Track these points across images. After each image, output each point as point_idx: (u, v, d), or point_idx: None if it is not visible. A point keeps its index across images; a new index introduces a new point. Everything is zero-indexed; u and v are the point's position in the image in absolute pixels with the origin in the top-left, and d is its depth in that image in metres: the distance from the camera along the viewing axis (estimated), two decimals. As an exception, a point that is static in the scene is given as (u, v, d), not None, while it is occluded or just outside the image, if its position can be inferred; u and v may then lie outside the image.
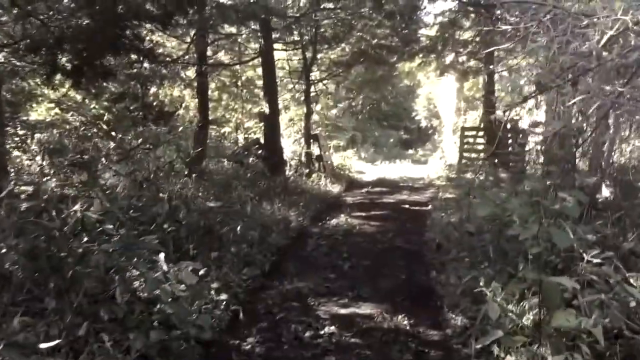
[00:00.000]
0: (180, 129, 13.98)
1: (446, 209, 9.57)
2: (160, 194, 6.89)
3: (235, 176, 11.27)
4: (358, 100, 26.86)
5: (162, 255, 4.39)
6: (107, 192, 6.02)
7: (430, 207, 10.81)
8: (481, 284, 4.41)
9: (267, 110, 11.98)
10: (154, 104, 14.79)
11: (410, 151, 33.35)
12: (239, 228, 6.83)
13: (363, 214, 10.13)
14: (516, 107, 18.65)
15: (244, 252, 6.54)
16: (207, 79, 12.88)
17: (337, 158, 17.61)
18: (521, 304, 4.16)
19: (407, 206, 11.05)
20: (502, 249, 5.52)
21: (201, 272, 4.81)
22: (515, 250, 5.21)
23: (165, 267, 4.26)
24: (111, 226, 4.45)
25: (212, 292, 5.01)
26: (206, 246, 6.21)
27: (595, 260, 3.70)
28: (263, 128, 12.67)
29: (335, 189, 13.36)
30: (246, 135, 16.38)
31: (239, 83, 14.91)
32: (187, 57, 12.66)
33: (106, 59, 8.48)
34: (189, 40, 12.69)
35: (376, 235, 8.21)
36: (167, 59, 12.87)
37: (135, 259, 4.30)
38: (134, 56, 9.18)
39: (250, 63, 14.66)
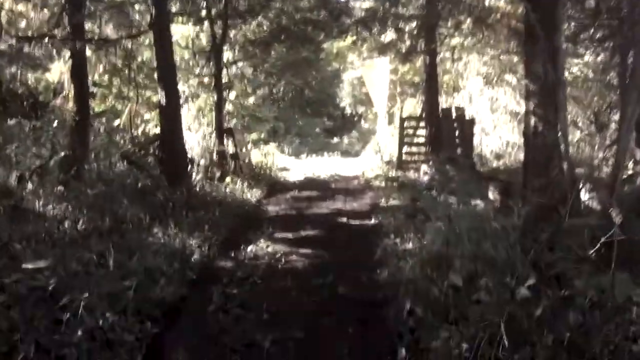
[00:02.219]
0: (56, 123, 11.03)
1: (396, 228, 7.37)
2: None
3: (120, 187, 8.58)
4: (279, 87, 24.37)
5: None
6: None
7: (374, 220, 8.60)
8: None
9: (163, 100, 9.28)
10: (20, 91, 11.69)
11: (336, 139, 31.42)
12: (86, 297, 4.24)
13: (290, 235, 7.74)
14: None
15: (99, 335, 4.01)
16: (86, 60, 10.02)
17: (256, 154, 15.10)
18: None
19: (345, 220, 8.78)
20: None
21: None
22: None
23: None
24: None
25: None
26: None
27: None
28: (159, 122, 9.96)
29: (255, 194, 10.89)
30: (146, 130, 13.54)
31: (133, 65, 12.03)
32: (55, 31, 9.75)
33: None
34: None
35: (310, 277, 5.83)
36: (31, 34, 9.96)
37: None
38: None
39: (145, 41, 11.84)
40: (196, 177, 10.66)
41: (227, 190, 10.61)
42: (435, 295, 4.19)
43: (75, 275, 4.84)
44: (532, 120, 6.56)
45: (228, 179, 11.12)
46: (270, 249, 6.92)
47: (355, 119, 32.97)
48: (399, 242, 6.58)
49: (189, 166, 10.83)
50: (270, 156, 15.28)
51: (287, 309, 4.98)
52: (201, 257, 6.47)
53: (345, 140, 31.91)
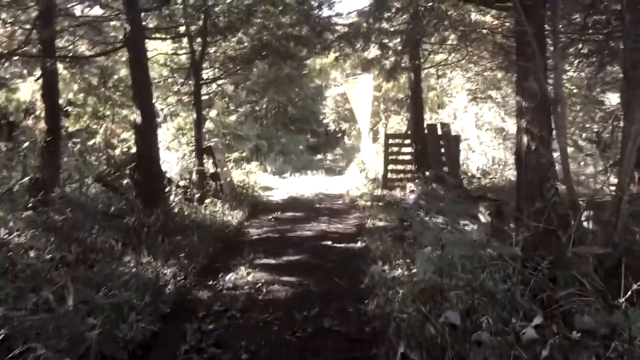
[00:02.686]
0: (27, 144, 10.53)
1: (384, 252, 7.00)
2: None
3: (92, 212, 8.11)
4: (262, 104, 24.03)
5: None
6: None
7: (360, 243, 8.22)
8: None
9: (138, 119, 8.86)
10: (-12, 111, 11.19)
11: (319, 156, 31.24)
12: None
13: (272, 260, 7.33)
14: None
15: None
16: (57, 78, 9.60)
17: (239, 174, 14.67)
18: None
19: (330, 243, 8.37)
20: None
21: None
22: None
23: None
24: None
25: None
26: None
27: None
28: (135, 142, 9.52)
29: (236, 216, 10.45)
30: (124, 150, 13.07)
31: (109, 83, 11.60)
32: (26, 48, 9.37)
33: None
34: (29, 26, 9.45)
35: (293, 309, 5.40)
36: (-1, 50, 9.56)
37: None
38: None
39: (122, 57, 11.43)
40: (174, 198, 10.23)
41: (207, 212, 10.18)
42: (430, 333, 3.79)
43: (33, 314, 4.39)
44: (525, 139, 6.27)
45: (208, 200, 10.68)
46: (250, 277, 6.49)
47: (339, 135, 32.84)
48: (388, 269, 6.19)
49: (168, 187, 10.41)
50: (252, 175, 14.87)
51: (268, 346, 4.56)
52: (176, 287, 6.02)
53: (330, 156, 31.70)
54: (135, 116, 8.97)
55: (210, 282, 6.37)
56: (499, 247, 4.83)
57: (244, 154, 19.66)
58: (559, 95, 5.00)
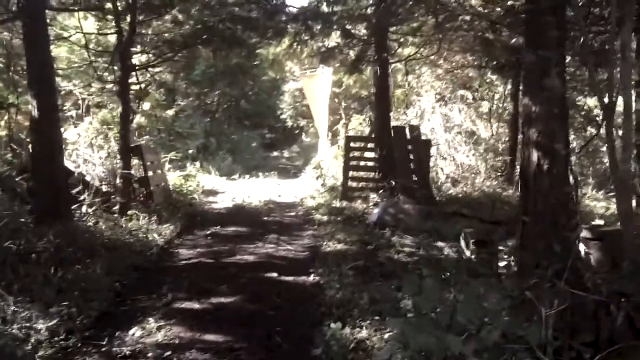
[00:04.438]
0: None
1: (344, 299, 5.33)
2: None
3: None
4: (213, 97, 22.04)
5: None
6: None
7: (312, 277, 6.53)
8: None
9: (34, 110, 6.91)
10: None
11: (275, 153, 29.63)
12: None
13: (196, 305, 5.52)
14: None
15: None
16: None
17: (176, 177, 12.73)
18: None
19: (275, 275, 6.61)
20: None
21: None
22: None
23: None
24: None
25: None
26: None
27: None
28: (30, 140, 7.58)
29: (165, 232, 8.58)
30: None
31: (16, 65, 9.56)
32: None
33: None
34: None
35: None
36: None
37: None
38: None
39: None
40: (88, 210, 8.32)
41: (129, 227, 8.29)
42: None
43: None
44: (535, 156, 4.70)
45: (131, 212, 8.78)
46: (161, 335, 4.70)
47: (297, 132, 31.24)
48: (348, 330, 4.51)
49: (82, 195, 8.53)
50: (193, 179, 12.95)
51: None
52: (49, 355, 4.21)
53: (286, 154, 30.02)
54: (31, 107, 7.01)
55: (104, 343, 4.56)
56: (516, 323, 3.21)
57: (190, 152, 17.69)
58: (627, 102, 3.42)
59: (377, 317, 4.65)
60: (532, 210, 4.74)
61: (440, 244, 7.91)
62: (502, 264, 6.23)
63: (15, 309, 4.71)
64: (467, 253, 6.63)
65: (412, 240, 8.19)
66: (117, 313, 5.26)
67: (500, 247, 6.74)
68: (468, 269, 5.50)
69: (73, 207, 7.93)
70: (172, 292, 5.79)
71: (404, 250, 7.62)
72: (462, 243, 7.01)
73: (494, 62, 11.86)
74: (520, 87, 14.24)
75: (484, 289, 3.68)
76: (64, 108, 11.91)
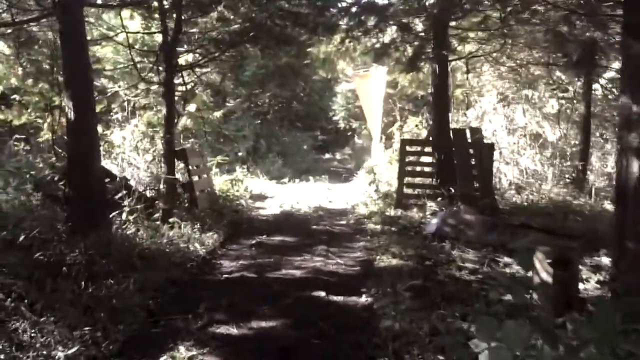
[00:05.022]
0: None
1: (401, 330, 4.62)
2: None
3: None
4: (264, 99, 21.65)
5: None
6: None
7: (364, 298, 5.83)
8: None
9: (71, 113, 6.54)
10: None
11: (327, 155, 29.17)
12: None
13: (234, 330, 4.92)
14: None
15: None
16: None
17: (223, 182, 12.30)
18: None
19: (323, 294, 5.97)
20: None
21: None
22: None
23: None
24: None
25: None
26: None
27: None
28: (66, 144, 7.23)
29: (208, 241, 8.11)
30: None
31: (54, 64, 9.33)
32: None
33: None
34: None
35: None
36: None
37: None
38: None
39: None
40: (127, 216, 7.90)
41: (171, 236, 7.84)
42: None
43: None
44: (636, 165, 3.86)
45: (174, 219, 8.33)
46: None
47: (349, 134, 30.68)
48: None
49: (124, 201, 8.13)
50: (239, 184, 12.47)
51: None
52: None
53: (338, 156, 29.46)
54: (67, 109, 6.63)
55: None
56: None
57: (240, 155, 17.32)
58: None
59: (440, 357, 3.91)
60: (630, 224, 3.91)
61: (506, 259, 7.12)
62: (582, 286, 5.40)
63: (34, 333, 4.26)
64: (544, 275, 5.77)
65: (475, 255, 7.42)
66: (147, 337, 4.74)
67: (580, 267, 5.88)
68: (553, 299, 4.67)
69: (113, 214, 7.52)
70: (210, 313, 5.25)
71: (466, 266, 6.90)
72: (536, 263, 6.14)
73: (565, 58, 10.82)
74: (595, 85, 13.17)
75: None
76: (111, 111, 11.72)
